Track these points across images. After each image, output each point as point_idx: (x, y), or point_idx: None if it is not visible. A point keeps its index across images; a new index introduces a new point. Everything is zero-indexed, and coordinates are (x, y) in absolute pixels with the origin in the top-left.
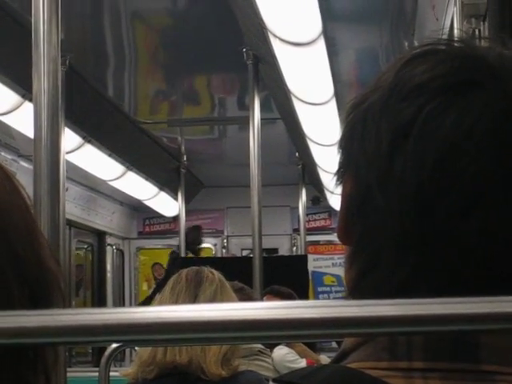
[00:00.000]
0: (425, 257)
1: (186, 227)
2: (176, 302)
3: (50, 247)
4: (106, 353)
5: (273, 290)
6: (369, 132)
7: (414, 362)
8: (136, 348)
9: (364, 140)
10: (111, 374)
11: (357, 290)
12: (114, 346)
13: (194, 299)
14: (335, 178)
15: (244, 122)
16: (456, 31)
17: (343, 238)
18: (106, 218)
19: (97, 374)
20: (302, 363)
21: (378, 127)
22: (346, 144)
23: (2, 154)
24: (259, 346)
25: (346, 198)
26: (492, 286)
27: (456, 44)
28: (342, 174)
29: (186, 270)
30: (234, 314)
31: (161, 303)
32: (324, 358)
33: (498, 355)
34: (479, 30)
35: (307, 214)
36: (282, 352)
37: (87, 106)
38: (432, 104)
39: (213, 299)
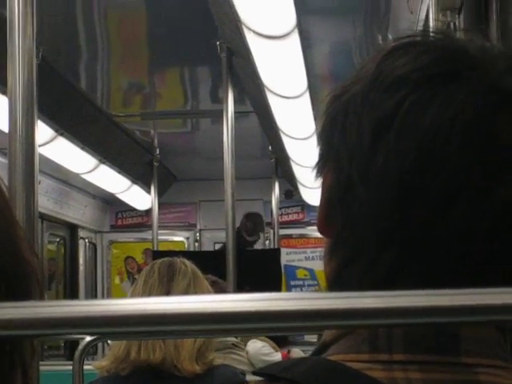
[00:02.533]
0: (406, 249)
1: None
2: (149, 295)
3: (28, 240)
4: (80, 346)
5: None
6: (350, 123)
7: (395, 355)
8: (109, 342)
9: (345, 132)
10: (85, 367)
11: (337, 282)
12: (88, 339)
13: (166, 294)
14: (315, 169)
15: (217, 116)
16: (432, 24)
17: (323, 229)
18: (78, 212)
19: (69, 367)
20: (278, 356)
21: (359, 119)
22: (327, 136)
23: None
24: (233, 339)
25: (326, 190)
26: (474, 278)
27: (437, 36)
28: (323, 166)
29: (158, 262)
30: (212, 306)
31: (133, 296)
32: (297, 351)
33: (479, 347)
34: (454, 24)
35: (280, 208)
36: (257, 345)
37: (60, 99)
38: (414, 95)
39: (186, 293)
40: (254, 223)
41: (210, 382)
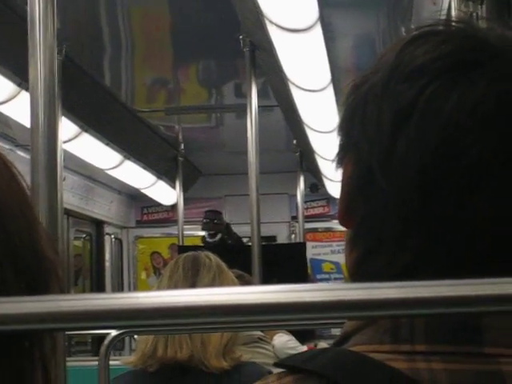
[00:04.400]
0: (428, 239)
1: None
2: None
3: (49, 236)
4: (106, 341)
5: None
6: (370, 114)
7: (417, 345)
8: (135, 337)
9: (365, 122)
10: (111, 362)
11: (358, 273)
12: (114, 334)
13: (192, 288)
14: (335, 160)
15: (241, 110)
16: (454, 14)
17: (344, 221)
18: (103, 207)
19: (96, 362)
20: (304, 350)
21: (379, 109)
22: (347, 126)
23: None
24: (259, 332)
25: (347, 181)
26: (495, 269)
27: (457, 25)
28: (343, 157)
29: (182, 256)
30: (236, 298)
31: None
32: (323, 346)
33: (502, 337)
34: (477, 14)
35: (305, 202)
36: (283, 339)
37: (84, 95)
38: (434, 84)
39: (211, 287)
40: (210, 219)
41: (237, 379)
